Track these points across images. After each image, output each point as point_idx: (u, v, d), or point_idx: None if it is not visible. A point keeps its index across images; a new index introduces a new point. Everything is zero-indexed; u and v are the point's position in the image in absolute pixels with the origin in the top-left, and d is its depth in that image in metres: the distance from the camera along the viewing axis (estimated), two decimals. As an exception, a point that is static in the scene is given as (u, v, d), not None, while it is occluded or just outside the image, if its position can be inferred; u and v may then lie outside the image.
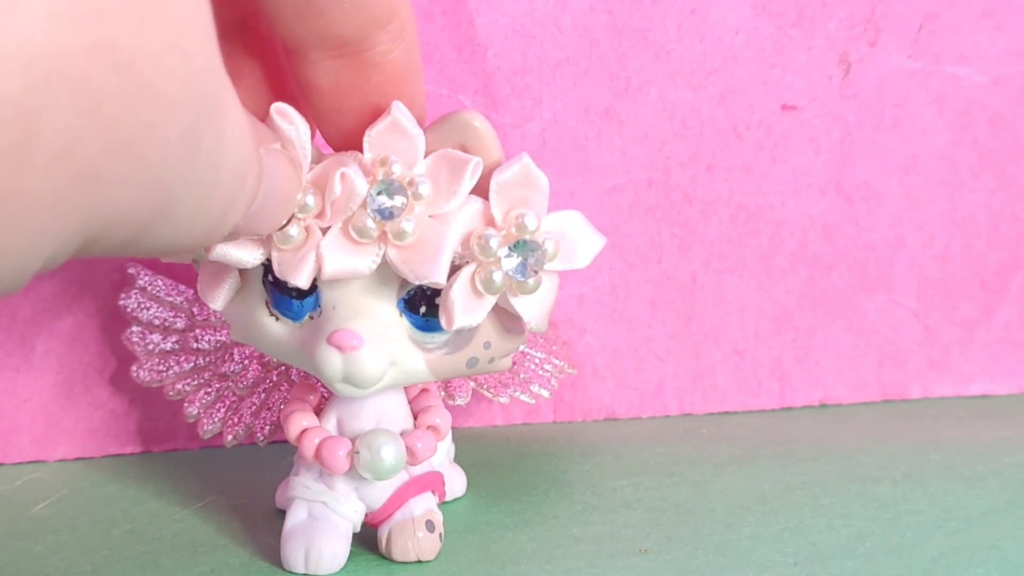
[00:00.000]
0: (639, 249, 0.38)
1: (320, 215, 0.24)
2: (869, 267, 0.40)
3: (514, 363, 0.34)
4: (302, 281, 0.23)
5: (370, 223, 0.23)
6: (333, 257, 0.23)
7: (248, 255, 0.24)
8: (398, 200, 0.23)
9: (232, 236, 0.22)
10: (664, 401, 0.39)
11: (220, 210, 0.19)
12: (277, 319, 0.25)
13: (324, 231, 0.24)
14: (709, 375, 0.39)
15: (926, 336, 0.41)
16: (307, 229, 0.23)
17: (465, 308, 0.24)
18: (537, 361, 0.34)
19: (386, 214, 0.23)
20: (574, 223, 0.25)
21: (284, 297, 0.25)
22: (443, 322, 0.24)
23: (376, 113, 0.24)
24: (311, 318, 0.25)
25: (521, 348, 0.34)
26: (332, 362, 0.24)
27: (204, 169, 0.17)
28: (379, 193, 0.23)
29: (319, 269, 0.23)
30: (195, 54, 0.16)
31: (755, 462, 0.34)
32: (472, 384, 0.33)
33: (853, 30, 0.38)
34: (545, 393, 0.34)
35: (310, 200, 0.23)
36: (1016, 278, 0.42)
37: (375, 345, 0.24)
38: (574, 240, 0.25)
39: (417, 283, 0.24)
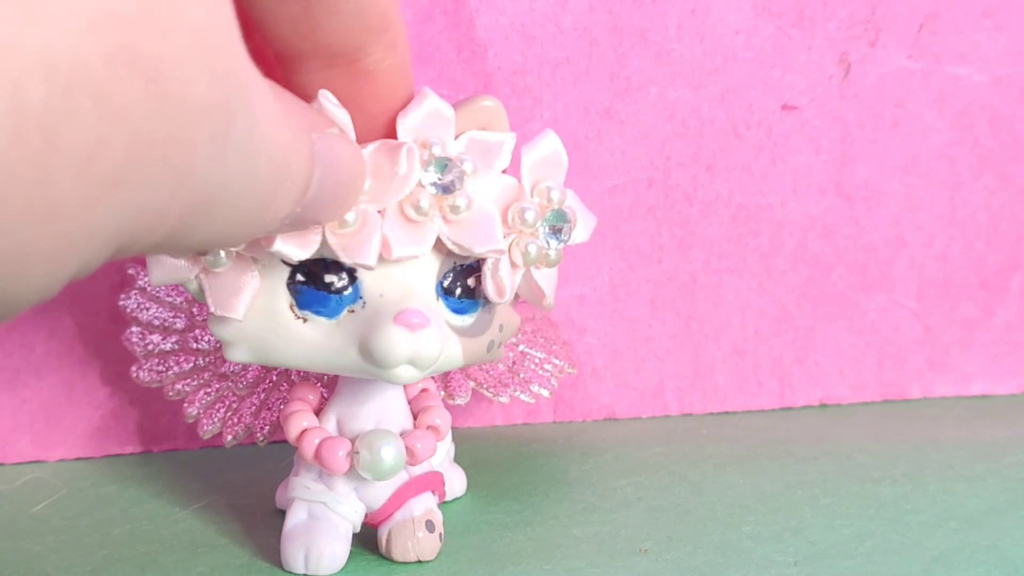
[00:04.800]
0: (639, 249, 0.38)
1: (370, 197, 0.24)
2: (869, 267, 0.40)
3: (514, 363, 0.34)
4: (372, 260, 0.23)
5: (426, 200, 0.24)
6: (397, 238, 0.24)
7: (302, 249, 0.23)
8: (452, 174, 0.24)
9: (294, 226, 0.21)
10: (664, 401, 0.39)
11: (260, 203, 0.19)
12: (305, 321, 0.25)
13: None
14: (709, 375, 0.39)
15: (926, 336, 0.41)
16: (362, 212, 0.23)
17: (509, 280, 0.25)
18: (537, 361, 0.34)
19: (447, 188, 0.24)
20: (572, 200, 0.27)
21: (320, 294, 0.24)
22: (494, 294, 0.25)
23: (370, 121, 0.24)
24: (350, 312, 0.25)
25: (521, 348, 0.34)
26: (400, 342, 0.24)
27: (236, 166, 0.17)
28: (434, 169, 0.24)
29: (386, 252, 0.23)
30: (218, 56, 0.16)
31: (755, 462, 0.34)
32: (472, 384, 0.33)
33: (853, 30, 0.38)
34: (545, 393, 0.34)
35: (366, 184, 0.23)
36: (1016, 278, 0.42)
37: (438, 324, 0.24)
38: (577, 215, 0.26)
39: (478, 253, 0.24)
